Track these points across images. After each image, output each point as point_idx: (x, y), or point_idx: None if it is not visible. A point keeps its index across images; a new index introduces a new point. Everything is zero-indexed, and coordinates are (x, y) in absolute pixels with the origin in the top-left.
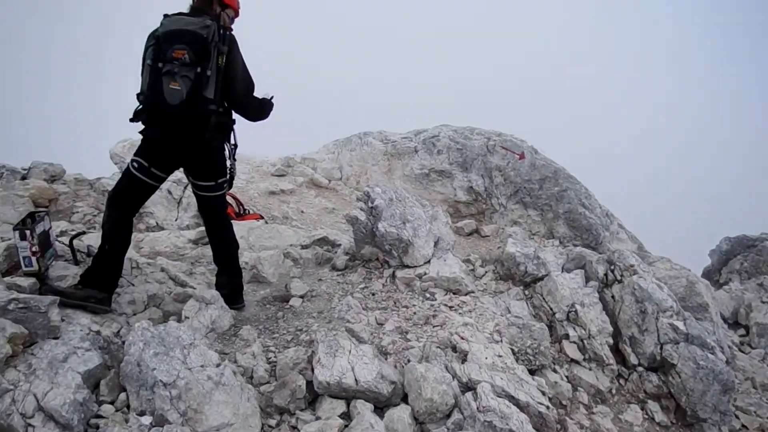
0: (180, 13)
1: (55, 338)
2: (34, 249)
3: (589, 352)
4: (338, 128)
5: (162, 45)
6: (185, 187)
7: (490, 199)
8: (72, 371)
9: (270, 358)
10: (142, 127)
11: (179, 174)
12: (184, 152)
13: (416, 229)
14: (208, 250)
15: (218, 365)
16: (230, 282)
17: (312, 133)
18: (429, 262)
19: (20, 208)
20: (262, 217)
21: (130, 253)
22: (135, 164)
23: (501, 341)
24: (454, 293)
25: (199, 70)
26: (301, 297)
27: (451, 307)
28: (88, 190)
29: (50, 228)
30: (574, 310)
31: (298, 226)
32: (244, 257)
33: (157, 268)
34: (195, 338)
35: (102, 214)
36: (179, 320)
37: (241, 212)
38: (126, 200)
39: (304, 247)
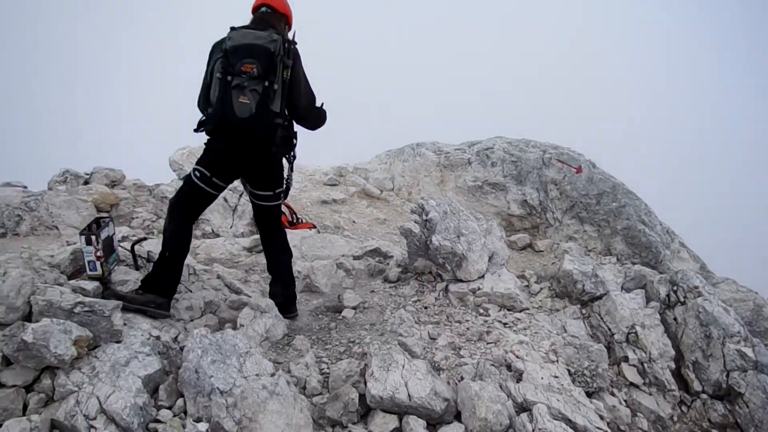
0: (246, 27)
1: (118, 342)
2: (98, 254)
3: (650, 377)
4: (372, 135)
5: (231, 58)
6: (240, 195)
7: (545, 213)
8: (133, 375)
9: (323, 369)
10: (205, 137)
11: (236, 182)
12: (247, 163)
13: (471, 243)
14: (261, 258)
15: (273, 375)
16: (284, 291)
17: (362, 143)
18: (483, 276)
19: (83, 213)
20: (314, 227)
21: (188, 259)
22: (197, 173)
23: (557, 361)
24: (508, 310)
25: (266, 84)
26: (354, 308)
27: (505, 324)
28: (148, 196)
29: (114, 234)
30: (634, 331)
31: (349, 236)
32: (297, 266)
33: (213, 275)
34: (251, 347)
35: (161, 220)
36: (234, 327)
37: (295, 221)
38: (187, 208)
39: (356, 257)
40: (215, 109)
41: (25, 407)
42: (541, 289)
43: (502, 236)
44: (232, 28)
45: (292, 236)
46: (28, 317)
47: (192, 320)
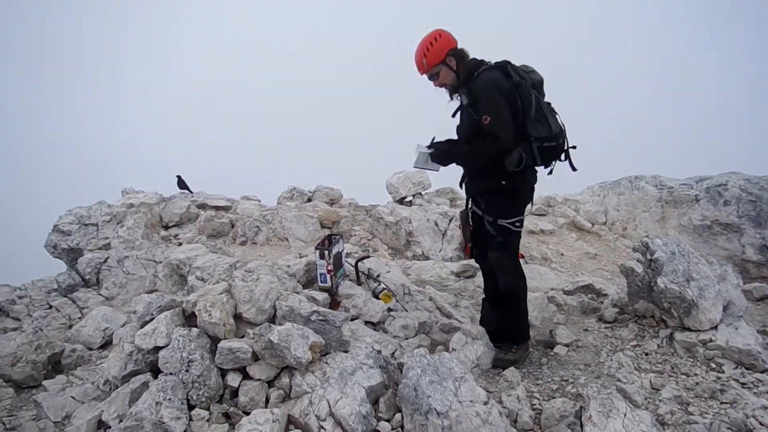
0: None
1: (345, 351)
2: (329, 267)
3: None
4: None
5: (541, 92)
6: (450, 220)
7: None
8: (358, 385)
9: (534, 404)
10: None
11: (446, 207)
12: None
13: (702, 289)
14: (469, 284)
15: (485, 403)
16: (498, 320)
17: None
18: (716, 327)
19: (310, 228)
20: (522, 257)
21: (403, 279)
22: (517, 224)
23: None
24: (746, 368)
25: None
26: (567, 345)
27: (743, 384)
28: (364, 215)
29: (343, 250)
30: None
31: (557, 269)
32: None
33: (426, 296)
34: (465, 372)
35: (376, 239)
36: (446, 350)
37: None
38: None
39: (567, 292)
40: (564, 142)
41: (266, 400)
42: None
43: (738, 284)
44: (508, 62)
45: None
46: (272, 319)
47: (407, 338)
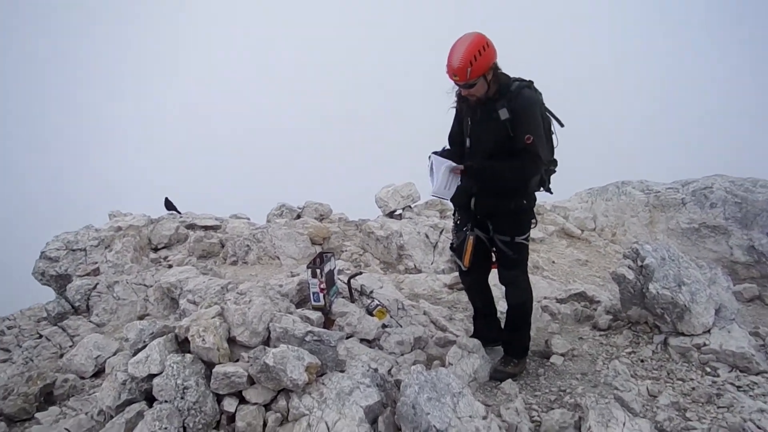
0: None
1: (341, 371)
2: (322, 286)
3: None
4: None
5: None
6: (441, 232)
7: None
8: (356, 405)
9: (533, 416)
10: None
11: (436, 219)
12: None
13: (693, 293)
14: (462, 296)
15: (484, 418)
16: (492, 328)
17: (559, 180)
18: (709, 331)
19: (300, 245)
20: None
21: (397, 294)
22: (528, 238)
23: None
24: (741, 371)
25: None
26: (563, 355)
27: (738, 387)
28: (355, 230)
29: (335, 268)
30: None
31: (549, 278)
32: (499, 306)
33: (420, 311)
34: (462, 387)
35: (368, 254)
36: (442, 365)
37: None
38: None
39: (560, 300)
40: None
41: (264, 424)
42: None
43: (729, 287)
44: (532, 83)
45: (491, 275)
46: (266, 342)
47: (403, 354)
